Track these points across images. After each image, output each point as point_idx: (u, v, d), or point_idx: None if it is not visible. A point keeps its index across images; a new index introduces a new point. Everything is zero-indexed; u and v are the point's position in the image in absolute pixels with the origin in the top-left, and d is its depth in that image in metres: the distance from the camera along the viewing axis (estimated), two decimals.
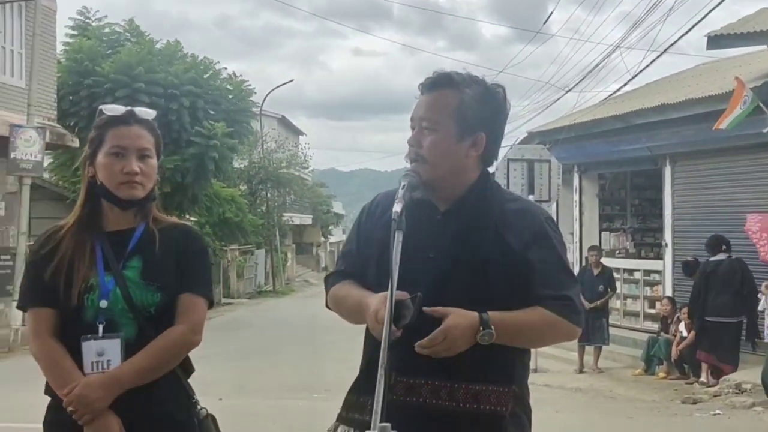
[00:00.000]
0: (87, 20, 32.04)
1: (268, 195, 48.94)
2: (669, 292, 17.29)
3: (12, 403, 12.21)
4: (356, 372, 3.15)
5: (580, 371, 16.28)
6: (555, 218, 22.09)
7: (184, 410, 3.38)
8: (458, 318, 2.87)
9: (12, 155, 20.74)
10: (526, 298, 2.99)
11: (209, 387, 14.14)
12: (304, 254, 69.36)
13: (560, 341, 3.23)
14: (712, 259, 14.77)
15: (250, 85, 33.51)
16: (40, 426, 3.37)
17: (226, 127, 30.57)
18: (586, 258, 17.69)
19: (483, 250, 3.00)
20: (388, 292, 2.71)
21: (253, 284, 45.67)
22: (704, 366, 14.53)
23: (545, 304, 2.98)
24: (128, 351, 3.23)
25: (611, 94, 23.06)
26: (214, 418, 3.50)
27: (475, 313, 2.89)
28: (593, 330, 16.28)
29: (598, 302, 16.34)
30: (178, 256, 3.35)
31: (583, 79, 25.22)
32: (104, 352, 3.22)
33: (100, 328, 3.22)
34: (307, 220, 65.85)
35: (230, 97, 32.51)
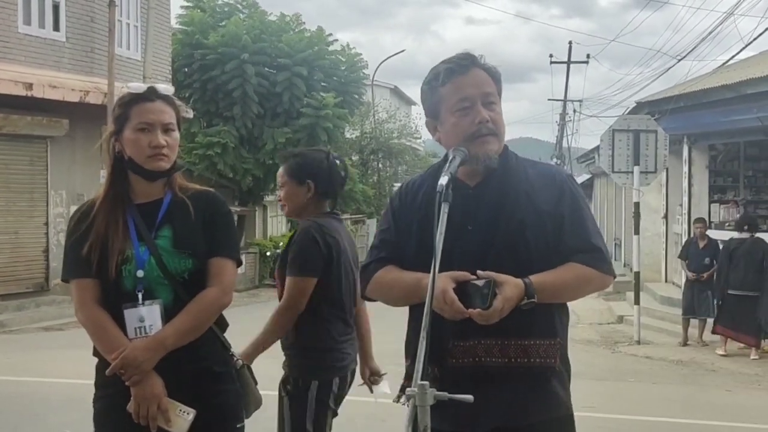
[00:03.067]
0: None
1: (380, 165, 49.19)
2: None
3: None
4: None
5: (684, 344, 16.09)
6: (665, 190, 21.86)
7: (222, 362, 3.63)
8: (511, 290, 3.02)
9: None
10: (560, 253, 3.18)
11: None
12: None
13: (595, 291, 3.39)
14: (736, 236, 15.35)
15: (362, 56, 33.82)
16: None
17: (337, 97, 30.89)
18: (694, 231, 17.39)
19: (519, 215, 3.18)
20: (432, 266, 2.83)
21: (364, 253, 45.90)
22: None
23: (577, 258, 3.18)
24: (167, 315, 3.48)
25: (723, 63, 22.61)
26: (249, 368, 3.82)
27: (522, 284, 3.05)
28: (699, 302, 16.06)
29: (704, 275, 16.10)
30: (205, 222, 3.56)
31: (696, 46, 24.81)
32: (145, 318, 3.46)
33: (140, 296, 3.47)
34: None
35: (342, 68, 32.83)
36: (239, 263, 3.65)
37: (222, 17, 32.04)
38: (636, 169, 16.39)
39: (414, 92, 33.58)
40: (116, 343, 3.44)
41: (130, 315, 3.46)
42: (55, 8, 20.80)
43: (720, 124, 18.64)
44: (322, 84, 31.79)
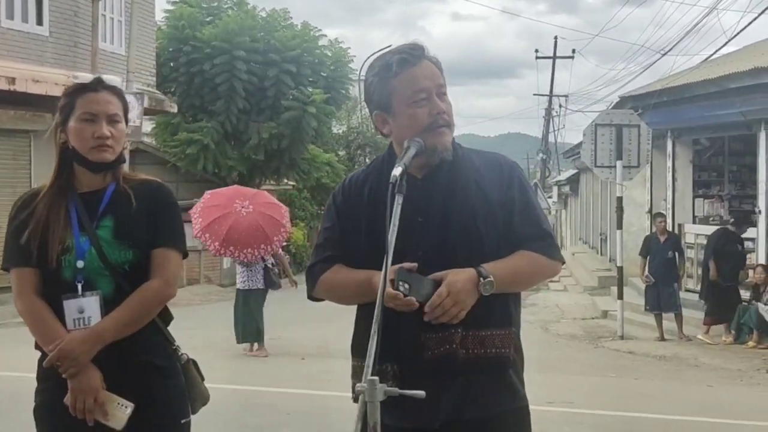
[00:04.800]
0: None
1: (367, 160, 49.12)
2: (762, 260, 16.95)
3: None
4: None
5: (662, 339, 16.10)
6: (649, 184, 21.86)
7: (165, 356, 3.56)
8: (456, 274, 3.01)
9: None
10: (510, 241, 3.17)
11: (295, 347, 14.55)
12: None
13: (546, 278, 3.44)
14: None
15: (349, 51, 33.78)
16: None
17: (324, 93, 30.86)
18: (656, 225, 17.35)
19: (470, 205, 3.15)
20: (385, 260, 2.79)
21: None
22: None
23: (529, 246, 3.18)
24: (107, 307, 3.42)
25: (707, 58, 22.61)
26: (195, 363, 3.71)
27: (470, 268, 3.04)
28: (664, 297, 16.13)
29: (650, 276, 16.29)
30: (149, 213, 3.51)
31: (680, 41, 24.81)
32: (84, 310, 3.41)
33: (79, 287, 3.42)
34: None
35: (329, 63, 32.79)
36: (185, 255, 3.58)
37: (209, 13, 31.99)
38: (619, 163, 16.40)
39: None
40: (54, 334, 3.39)
41: (69, 306, 3.41)
42: (38, 2, 20.67)
43: (703, 118, 18.66)
44: (309, 80, 31.74)
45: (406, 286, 2.93)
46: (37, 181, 20.46)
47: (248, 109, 30.64)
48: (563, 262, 3.37)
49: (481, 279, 3.02)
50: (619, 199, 17.27)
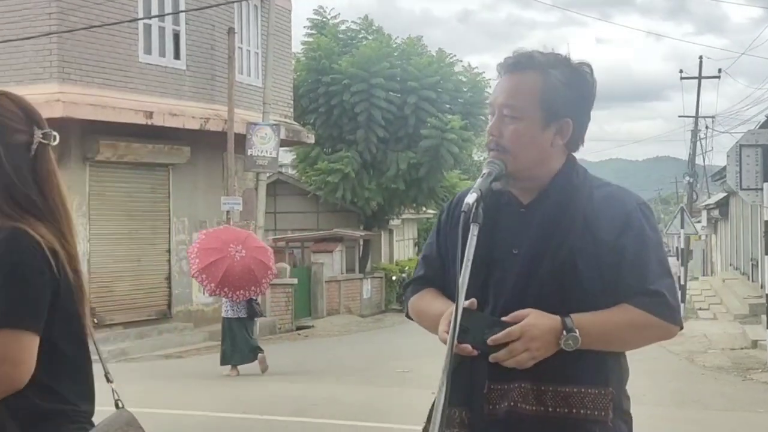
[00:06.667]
0: (324, 19, 32.88)
1: None
2: None
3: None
4: None
5: None
6: None
7: None
8: (538, 317, 2.59)
9: (249, 152, 21.47)
10: (616, 294, 2.67)
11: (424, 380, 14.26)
12: None
13: (655, 341, 2.85)
14: None
15: (484, 76, 33.57)
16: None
17: (461, 119, 30.67)
18: None
19: (570, 242, 2.69)
20: (456, 299, 2.46)
21: None
22: None
23: (634, 300, 2.66)
24: None
25: None
26: None
27: (556, 316, 2.60)
28: None
29: None
30: None
31: None
32: None
33: None
34: None
35: (465, 90, 32.63)
36: (31, 329, 2.54)
37: (346, 42, 32.26)
38: (766, 185, 15.58)
39: None
40: None
41: None
42: (176, 37, 21.04)
43: None
44: (447, 106, 31.64)
45: (466, 329, 2.56)
46: (175, 213, 20.81)
47: (387, 138, 30.66)
48: (681, 326, 2.79)
49: (564, 332, 2.58)
50: (767, 223, 16.44)
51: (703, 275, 47.20)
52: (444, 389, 2.42)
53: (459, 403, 2.69)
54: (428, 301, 2.91)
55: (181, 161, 20.88)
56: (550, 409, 2.65)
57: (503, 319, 2.61)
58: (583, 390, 2.66)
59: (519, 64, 2.79)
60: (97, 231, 19.11)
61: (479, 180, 2.67)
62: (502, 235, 2.74)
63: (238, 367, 14.69)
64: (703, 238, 48.49)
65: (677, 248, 31.98)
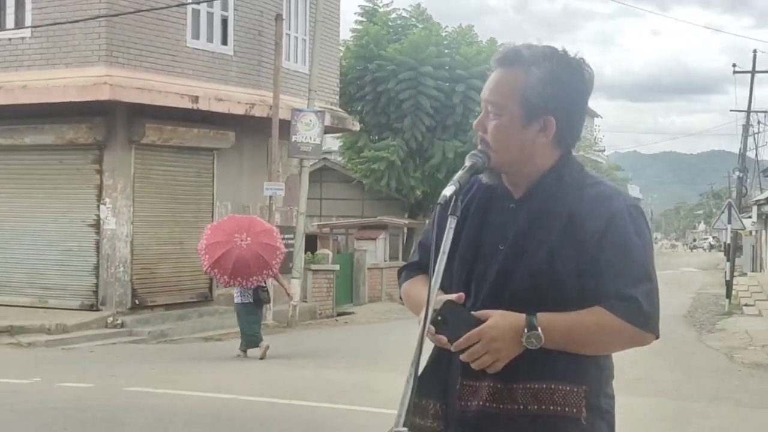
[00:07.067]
0: (375, 6, 32.87)
1: None
2: None
3: (275, 378, 12.64)
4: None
5: None
6: None
7: None
8: (500, 318, 2.57)
9: (293, 138, 21.58)
10: (593, 298, 2.61)
11: None
12: None
13: (627, 347, 2.73)
14: None
15: None
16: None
17: None
18: None
19: (551, 242, 2.64)
20: (428, 290, 2.46)
21: None
22: None
23: (607, 305, 2.59)
24: None
25: None
26: None
27: (522, 315, 2.57)
28: None
29: None
30: None
31: None
32: None
33: None
34: None
35: None
36: None
37: (396, 30, 32.24)
38: None
39: (596, 104, 32.94)
40: None
41: None
42: (224, 22, 21.18)
43: None
44: None
45: (444, 322, 2.57)
46: (219, 197, 20.99)
47: (434, 126, 30.60)
48: (656, 335, 2.68)
49: (526, 330, 2.55)
50: None
51: (752, 271, 46.61)
52: (412, 380, 2.42)
53: (435, 396, 2.72)
54: (418, 288, 2.90)
55: (226, 146, 21.03)
56: (521, 407, 2.63)
57: (472, 314, 2.61)
58: (553, 386, 2.63)
59: (505, 60, 2.76)
60: (141, 213, 19.36)
61: (459, 172, 2.66)
62: (492, 230, 2.74)
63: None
64: (753, 233, 47.85)
65: (724, 243, 31.57)
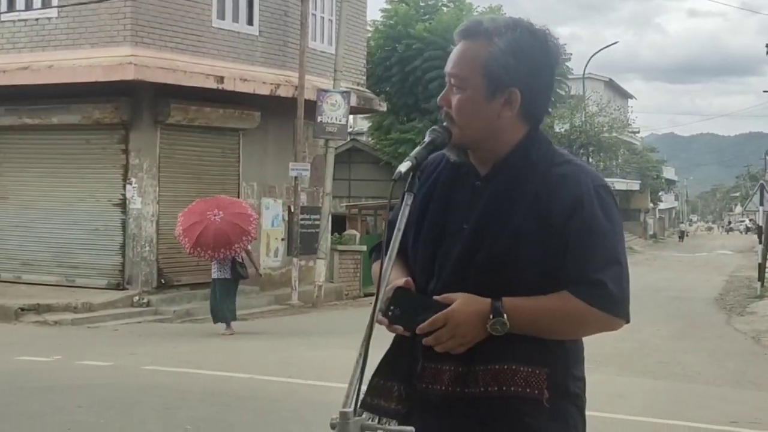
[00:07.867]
0: None
1: (590, 160, 48.13)
2: None
3: (299, 358, 12.65)
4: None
5: None
6: None
7: None
8: (465, 303, 2.51)
9: (319, 119, 21.54)
10: (558, 282, 2.54)
11: None
12: (630, 221, 67.32)
13: (596, 332, 2.64)
14: None
15: (565, 48, 33.13)
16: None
17: None
18: None
19: (516, 221, 2.55)
20: (382, 270, 2.41)
21: None
22: None
23: (573, 290, 2.52)
24: None
25: None
26: None
27: (488, 300, 2.50)
28: None
29: None
30: None
31: None
32: None
33: None
34: (635, 185, 64.31)
35: None
36: None
37: (426, 11, 32.09)
38: None
39: (632, 86, 32.69)
40: None
41: None
42: (249, 2, 21.12)
43: None
44: None
45: (398, 311, 2.52)
46: (244, 178, 21.01)
47: None
48: (626, 320, 2.60)
49: (492, 316, 2.49)
50: None
51: None
52: (360, 362, 2.35)
53: (398, 378, 2.66)
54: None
55: (252, 126, 21.04)
56: (481, 389, 2.57)
57: (435, 298, 2.55)
58: (514, 367, 2.56)
59: (467, 31, 2.67)
60: (167, 193, 19.43)
61: (417, 148, 2.56)
62: (457, 208, 2.66)
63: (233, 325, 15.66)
64: None
65: (758, 225, 31.28)
